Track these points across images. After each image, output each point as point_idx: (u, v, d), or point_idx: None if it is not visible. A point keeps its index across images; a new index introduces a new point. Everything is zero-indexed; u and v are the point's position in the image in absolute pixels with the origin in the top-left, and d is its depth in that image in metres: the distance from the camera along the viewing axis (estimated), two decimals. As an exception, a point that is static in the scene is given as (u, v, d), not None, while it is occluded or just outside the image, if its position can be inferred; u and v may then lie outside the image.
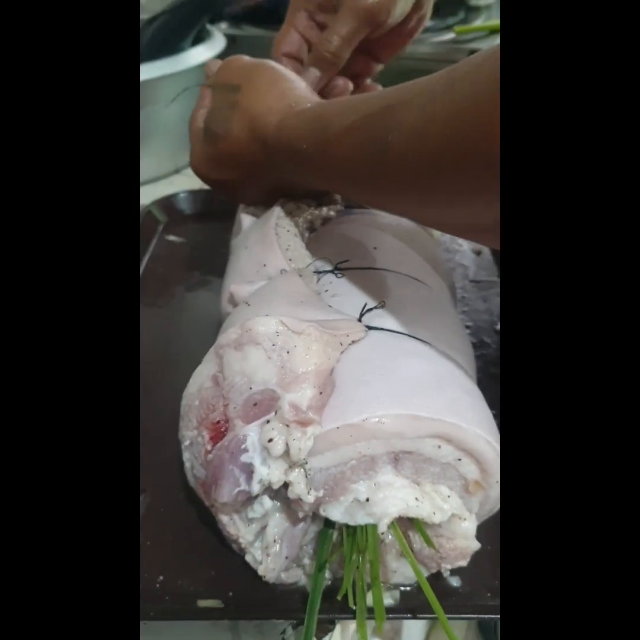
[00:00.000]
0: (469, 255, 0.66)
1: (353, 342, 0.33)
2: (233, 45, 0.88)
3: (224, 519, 0.33)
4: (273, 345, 0.31)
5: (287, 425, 0.29)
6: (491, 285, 0.62)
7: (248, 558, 0.34)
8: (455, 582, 0.36)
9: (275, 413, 0.29)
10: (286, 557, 0.33)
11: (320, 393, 0.30)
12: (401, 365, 0.32)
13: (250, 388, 0.30)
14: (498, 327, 0.56)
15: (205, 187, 0.53)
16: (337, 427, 0.29)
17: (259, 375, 0.30)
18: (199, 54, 0.81)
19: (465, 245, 0.68)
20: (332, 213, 0.48)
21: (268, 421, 0.29)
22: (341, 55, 0.51)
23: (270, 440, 0.29)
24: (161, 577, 0.36)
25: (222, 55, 0.84)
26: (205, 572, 0.37)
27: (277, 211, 0.46)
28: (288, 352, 0.31)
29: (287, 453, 0.29)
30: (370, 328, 0.35)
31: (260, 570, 0.33)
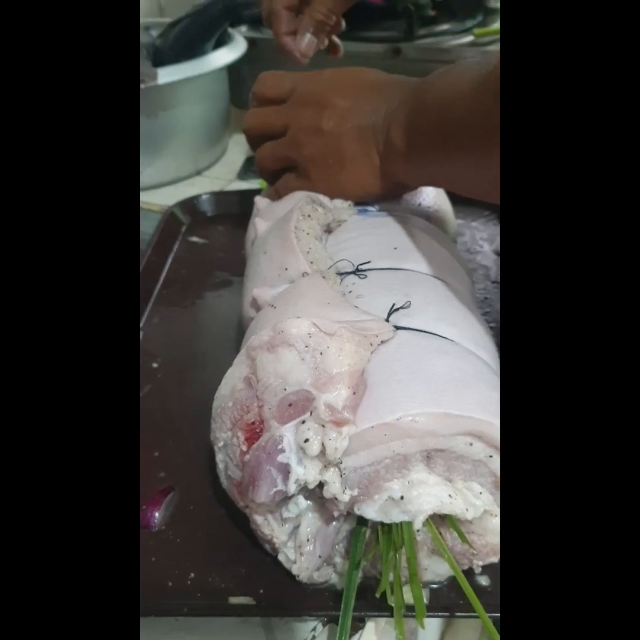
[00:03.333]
0: (491, 256, 0.66)
1: (382, 342, 0.34)
2: (254, 48, 0.89)
3: (258, 519, 0.33)
4: (306, 346, 0.31)
5: (323, 426, 0.29)
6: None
7: (281, 557, 0.34)
8: (484, 581, 0.36)
9: (311, 413, 0.30)
10: (319, 556, 0.33)
11: (354, 393, 0.30)
12: (430, 364, 0.32)
13: (285, 389, 0.31)
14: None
15: (226, 188, 0.53)
16: (372, 427, 0.29)
17: (293, 376, 0.31)
18: (221, 57, 0.81)
19: (486, 247, 0.67)
20: (346, 215, 0.49)
21: (303, 422, 0.30)
22: (329, 21, 0.63)
23: (306, 441, 0.29)
24: (192, 574, 0.37)
25: (243, 58, 0.84)
26: (235, 570, 0.37)
27: (295, 214, 0.45)
28: (321, 354, 0.31)
29: (322, 453, 0.29)
30: (397, 328, 0.35)
31: (294, 570, 0.33)
